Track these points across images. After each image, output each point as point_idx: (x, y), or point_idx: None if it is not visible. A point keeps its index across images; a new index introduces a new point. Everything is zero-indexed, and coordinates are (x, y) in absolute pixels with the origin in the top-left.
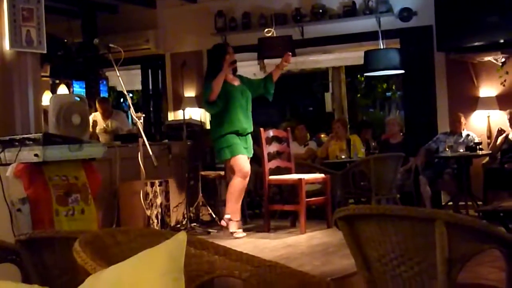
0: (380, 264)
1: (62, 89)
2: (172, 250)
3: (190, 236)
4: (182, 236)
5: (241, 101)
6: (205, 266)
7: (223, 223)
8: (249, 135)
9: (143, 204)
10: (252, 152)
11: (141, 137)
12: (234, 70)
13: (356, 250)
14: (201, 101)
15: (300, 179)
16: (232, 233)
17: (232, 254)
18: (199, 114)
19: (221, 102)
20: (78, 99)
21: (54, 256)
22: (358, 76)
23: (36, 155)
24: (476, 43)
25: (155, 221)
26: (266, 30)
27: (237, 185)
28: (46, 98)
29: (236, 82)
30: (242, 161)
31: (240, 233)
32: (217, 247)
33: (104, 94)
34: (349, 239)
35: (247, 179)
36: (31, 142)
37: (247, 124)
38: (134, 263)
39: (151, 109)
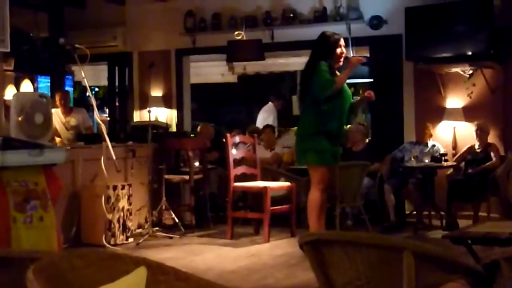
0: None
1: (26, 84)
2: (132, 286)
3: (150, 261)
4: (142, 272)
5: (345, 103)
6: None
7: None
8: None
9: (105, 208)
10: (339, 159)
11: (105, 140)
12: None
13: (321, 275)
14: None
15: (265, 187)
16: None
17: (193, 280)
18: (165, 115)
19: (336, 100)
20: (42, 97)
21: (10, 276)
22: None
23: None
24: (444, 54)
25: (117, 225)
26: (236, 33)
27: (317, 200)
28: (10, 93)
29: None
30: (325, 173)
31: None
32: (178, 273)
33: (69, 89)
34: (315, 264)
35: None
36: None
37: (341, 128)
38: None
39: (117, 105)
